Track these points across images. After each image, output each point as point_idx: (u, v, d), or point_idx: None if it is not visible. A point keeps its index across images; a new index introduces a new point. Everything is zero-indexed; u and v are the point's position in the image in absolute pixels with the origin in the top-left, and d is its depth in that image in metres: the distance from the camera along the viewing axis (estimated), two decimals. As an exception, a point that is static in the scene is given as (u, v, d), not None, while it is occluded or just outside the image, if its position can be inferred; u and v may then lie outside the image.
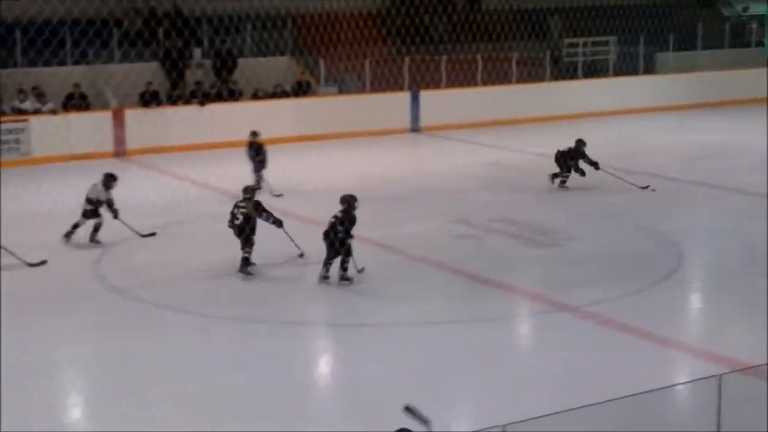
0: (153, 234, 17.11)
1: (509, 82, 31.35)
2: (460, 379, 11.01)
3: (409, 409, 7.15)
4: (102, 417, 10.38)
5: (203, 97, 26.94)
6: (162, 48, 27.92)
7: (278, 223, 15.30)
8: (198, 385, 10.99)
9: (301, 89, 29.03)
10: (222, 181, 20.50)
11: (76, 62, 26.33)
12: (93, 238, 16.66)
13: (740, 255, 16.07)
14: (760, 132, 28.28)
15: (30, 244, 15.76)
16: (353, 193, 14.50)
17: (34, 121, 24.43)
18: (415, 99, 29.44)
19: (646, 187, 20.43)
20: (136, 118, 25.71)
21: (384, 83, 29.45)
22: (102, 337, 12.52)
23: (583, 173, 20.45)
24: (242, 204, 15.08)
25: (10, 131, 24.05)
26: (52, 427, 10.03)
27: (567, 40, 34.21)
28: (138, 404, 10.37)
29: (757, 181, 21.04)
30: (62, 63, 26.14)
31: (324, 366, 12.33)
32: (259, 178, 20.25)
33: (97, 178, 16.90)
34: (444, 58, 30.31)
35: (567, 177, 20.64)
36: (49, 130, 24.06)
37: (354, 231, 14.33)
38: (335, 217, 14.31)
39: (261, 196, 19.35)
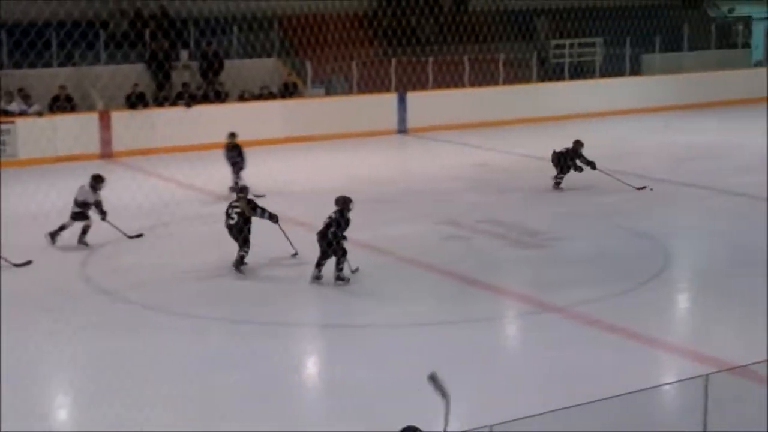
0: (140, 235, 17.09)
1: (496, 83, 31.38)
2: (447, 380, 10.98)
3: (433, 379, 7.25)
4: (91, 418, 10.33)
5: (189, 98, 26.89)
6: (148, 50, 27.87)
7: (274, 219, 15.36)
8: (188, 386, 10.98)
9: (287, 91, 29.00)
10: (208, 183, 20.47)
11: (62, 64, 26.25)
12: (81, 240, 16.62)
13: (727, 255, 16.12)
14: (747, 133, 28.42)
15: (16, 245, 15.70)
16: (347, 195, 14.50)
17: (20, 122, 24.37)
18: (402, 100, 29.44)
19: (643, 187, 20.46)
20: (122, 119, 25.67)
21: (371, 84, 29.44)
22: (90, 338, 12.48)
23: (580, 170, 20.46)
24: (236, 204, 15.15)
25: (-5, 133, 24.00)
26: (41, 429, 10.00)
27: (554, 42, 34.23)
28: (127, 406, 10.34)
29: (744, 182, 21.11)
30: (48, 65, 26.07)
31: (314, 367, 12.33)
32: (238, 180, 20.31)
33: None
34: (431, 59, 30.31)
35: (561, 178, 20.64)
36: (35, 132, 24.01)
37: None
38: (330, 218, 14.32)
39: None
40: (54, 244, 16.58)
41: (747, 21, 40.24)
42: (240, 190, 15.43)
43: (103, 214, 16.62)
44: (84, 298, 14.15)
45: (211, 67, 27.87)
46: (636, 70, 34.51)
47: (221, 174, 20.49)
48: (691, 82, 34.08)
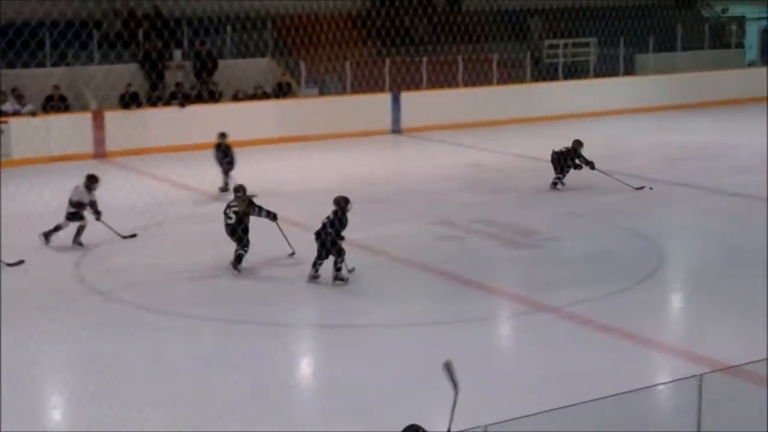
0: (134, 235, 17.07)
1: (490, 83, 31.39)
2: (441, 380, 10.98)
3: (447, 367, 7.33)
4: (86, 419, 10.31)
5: (183, 98, 26.88)
6: (141, 49, 27.85)
7: (272, 217, 15.38)
8: (183, 386, 10.96)
9: (281, 91, 29.00)
10: (202, 183, 20.46)
11: (56, 64, 26.25)
12: (76, 241, 16.61)
13: (721, 255, 16.13)
14: (740, 133, 28.47)
15: (9, 246, 15.67)
16: (345, 196, 14.50)
17: (13, 122, 24.35)
18: (395, 100, 29.45)
19: (642, 187, 20.47)
20: (115, 119, 25.66)
21: (365, 84, 29.45)
22: (85, 338, 12.45)
23: (579, 167, 20.48)
24: (234, 204, 15.19)
25: (-11, 133, 23.97)
26: (36, 430, 9.98)
27: (547, 42, 34.27)
28: (122, 406, 10.31)
29: (738, 182, 21.15)
30: (41, 65, 26.05)
31: (307, 367, 12.31)
32: (227, 180, 20.33)
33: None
34: (425, 59, 30.32)
35: (560, 179, 20.65)
36: (29, 132, 23.96)
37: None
38: (328, 218, 14.33)
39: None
40: (48, 244, 16.55)
41: (740, 21, 40.30)
42: (237, 189, 15.42)
43: (97, 214, 16.61)
44: (78, 298, 14.13)
45: (205, 67, 27.86)
46: (630, 70, 34.55)
47: (215, 174, 20.50)
48: (685, 82, 34.13)
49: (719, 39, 38.30)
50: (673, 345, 12.30)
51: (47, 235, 16.57)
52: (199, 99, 27.31)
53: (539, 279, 14.93)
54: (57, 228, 16.58)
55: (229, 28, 28.98)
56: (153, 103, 26.92)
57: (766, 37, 41.71)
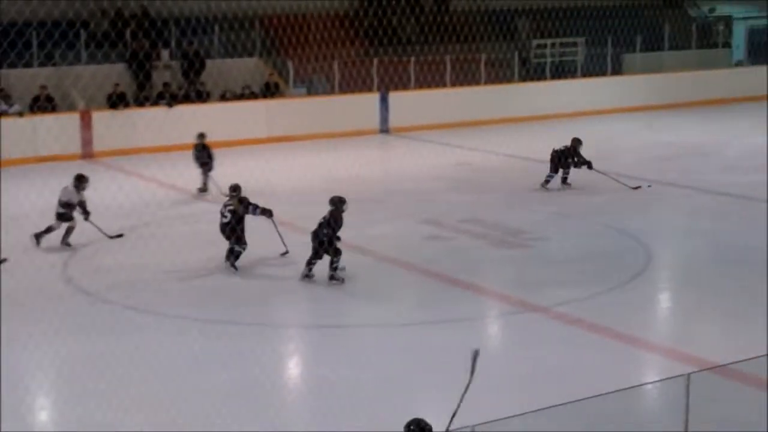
0: (120, 235, 17.04)
1: (478, 83, 31.40)
2: (429, 379, 11.01)
3: (475, 356, 7.52)
4: (73, 420, 10.29)
5: (171, 98, 26.83)
6: (129, 49, 27.79)
7: (268, 213, 15.43)
8: (169, 386, 10.93)
9: (269, 90, 28.97)
10: (189, 183, 20.46)
11: (43, 64, 26.17)
12: (64, 241, 16.57)
13: (709, 255, 16.15)
14: (728, 132, 28.54)
15: (-4, 246, 15.64)
16: (341, 195, 14.51)
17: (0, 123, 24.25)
18: (383, 100, 29.44)
19: (638, 187, 20.49)
20: (103, 119, 25.61)
21: (353, 84, 29.44)
22: (71, 339, 12.41)
23: (579, 166, 20.51)
24: (230, 203, 15.24)
25: (-24, 133, 23.87)
26: (19, 430, 9.94)
27: (535, 42, 34.29)
28: (107, 407, 10.29)
29: (725, 181, 21.20)
30: (28, 65, 25.97)
31: (295, 367, 12.29)
32: (206, 180, 20.31)
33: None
34: (412, 59, 30.32)
35: (552, 177, 20.68)
36: (16, 132, 23.90)
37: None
38: (324, 218, 14.33)
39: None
40: (39, 245, 16.50)
41: (727, 21, 40.39)
42: (234, 189, 15.45)
43: (86, 214, 16.58)
44: (66, 298, 14.09)
45: (192, 67, 27.81)
46: (617, 70, 34.60)
47: (211, 174, 20.47)
48: (672, 81, 34.17)
49: (706, 39, 38.37)
50: (661, 344, 12.31)
51: (38, 237, 16.53)
52: (186, 99, 27.26)
53: (527, 279, 14.94)
54: (49, 229, 16.55)
55: (216, 27, 28.94)
56: (140, 103, 26.88)
57: (753, 37, 41.80)
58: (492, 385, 10.82)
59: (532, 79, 33.25)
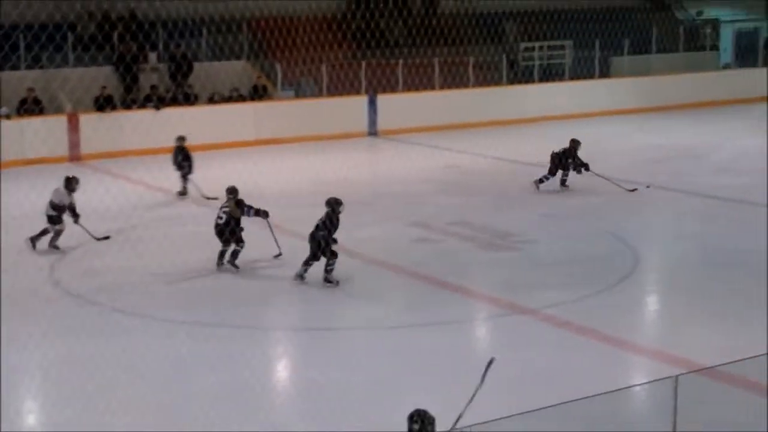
0: (107, 237, 16.99)
1: (466, 85, 31.43)
2: (418, 382, 11.00)
3: (489, 364, 7.65)
4: (58, 423, 10.26)
5: (158, 101, 26.78)
6: (116, 52, 27.73)
7: (263, 214, 15.48)
8: (156, 389, 10.92)
9: (257, 93, 28.95)
10: (176, 186, 20.45)
11: (30, 66, 26.11)
12: (53, 244, 16.51)
13: (697, 257, 16.18)
14: (716, 135, 28.59)
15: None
16: (337, 197, 14.58)
17: (-13, 125, 24.19)
18: (372, 103, 29.43)
19: (634, 189, 20.50)
20: (90, 122, 25.54)
21: (341, 87, 29.40)
22: (58, 341, 12.37)
23: (579, 171, 20.54)
24: (226, 205, 15.33)
25: (-37, 136, 23.80)
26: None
27: (523, 44, 34.31)
28: (95, 409, 10.27)
29: (714, 184, 21.23)
30: (15, 67, 25.90)
31: (284, 370, 12.28)
32: (186, 183, 20.30)
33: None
34: (401, 61, 30.32)
35: (547, 178, 20.70)
36: (3, 135, 23.82)
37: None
38: (321, 220, 14.32)
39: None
40: (34, 249, 16.45)
41: (715, 24, 40.48)
42: (230, 191, 15.50)
43: (76, 216, 16.54)
44: (53, 301, 14.06)
45: (180, 70, 27.75)
46: (605, 73, 34.63)
47: (191, 177, 20.44)
48: (660, 84, 34.23)
49: (694, 42, 38.45)
50: (649, 346, 12.33)
51: (34, 240, 16.49)
52: (174, 102, 27.21)
53: (516, 281, 14.93)
54: (44, 232, 16.51)
55: (204, 30, 28.89)
56: (128, 105, 26.83)
57: (741, 40, 41.90)
58: (481, 387, 10.84)
59: (520, 82, 33.27)
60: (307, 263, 14.45)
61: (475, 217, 18.69)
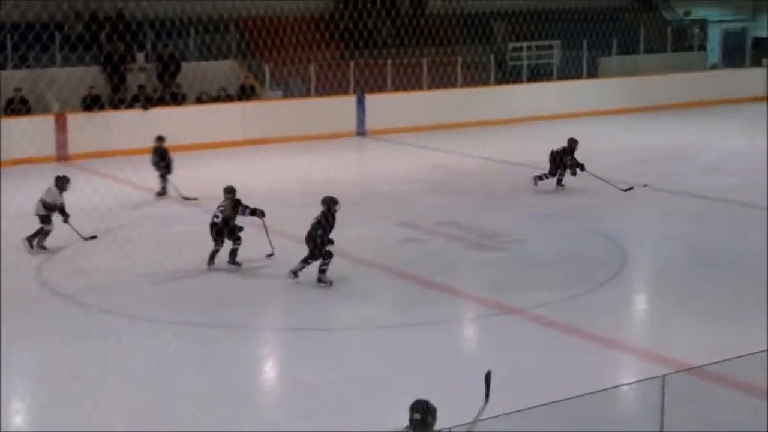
0: (94, 237, 16.94)
1: (454, 85, 31.44)
2: (406, 382, 10.99)
3: (488, 378, 7.55)
4: (45, 423, 10.24)
5: (146, 101, 26.73)
6: (103, 52, 27.67)
7: (260, 213, 15.54)
8: (144, 390, 10.89)
9: (245, 93, 28.92)
10: (176, 185, 20.40)
11: (17, 66, 26.03)
12: (40, 244, 16.47)
13: (685, 257, 16.20)
14: (704, 135, 28.65)
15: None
16: (332, 196, 14.60)
17: (-26, 126, 24.11)
18: (360, 103, 29.42)
19: (630, 188, 20.52)
20: (78, 122, 25.47)
21: (329, 87, 29.38)
22: (46, 342, 12.35)
23: (574, 173, 20.57)
24: (223, 204, 15.34)
25: (-50, 136, 23.71)
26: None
27: (511, 44, 34.33)
28: (82, 410, 10.24)
29: (702, 184, 21.27)
30: (2, 67, 25.81)
31: (271, 370, 12.26)
32: (165, 184, 20.29)
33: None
34: (389, 61, 30.32)
35: (546, 176, 20.75)
36: (-10, 135, 23.77)
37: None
38: (316, 219, 14.34)
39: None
40: (32, 248, 16.41)
41: (702, 24, 40.58)
42: (228, 191, 15.52)
43: (65, 216, 16.50)
44: (40, 301, 14.02)
45: (168, 70, 27.72)
46: (593, 73, 34.67)
47: (178, 176, 20.40)
48: (648, 84, 34.28)
49: (682, 42, 38.53)
50: (637, 346, 12.34)
51: (30, 241, 16.46)
52: (161, 101, 27.16)
53: (504, 281, 14.93)
54: (39, 232, 16.47)
55: (192, 30, 28.85)
56: (115, 105, 26.78)
57: (728, 40, 42.00)
58: (469, 387, 10.82)
59: (508, 82, 33.29)
60: (306, 261, 14.43)
61: (462, 217, 18.69)
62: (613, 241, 16.87)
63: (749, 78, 36.38)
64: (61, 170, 18.45)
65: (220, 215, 15.26)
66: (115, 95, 27.02)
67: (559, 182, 20.91)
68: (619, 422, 9.17)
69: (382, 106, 29.46)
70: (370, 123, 29.32)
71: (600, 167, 20.87)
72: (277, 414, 10.65)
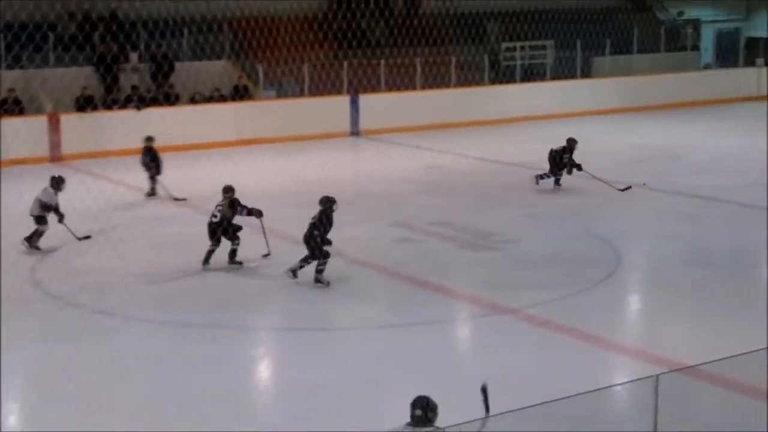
0: (88, 237, 16.92)
1: (448, 85, 31.44)
2: (399, 382, 10.99)
3: (484, 390, 7.49)
4: (39, 424, 10.23)
5: (139, 101, 26.71)
6: (97, 52, 27.63)
7: (256, 213, 15.54)
8: (138, 390, 10.88)
9: (239, 93, 28.90)
10: (158, 186, 20.38)
11: (10, 66, 25.96)
12: (34, 245, 16.45)
13: (679, 257, 16.19)
14: (697, 135, 28.68)
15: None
16: (330, 195, 14.61)
17: (-32, 126, 24.06)
18: (354, 103, 29.42)
19: (628, 188, 20.53)
20: (71, 122, 25.44)
21: (323, 87, 29.38)
22: (39, 343, 12.35)
23: (570, 172, 20.61)
24: (221, 203, 15.37)
25: (-57, 137, 23.67)
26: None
27: (504, 44, 34.35)
28: (76, 410, 10.24)
29: (696, 184, 21.28)
30: (-5, 67, 25.82)
31: (265, 370, 12.24)
32: (154, 184, 20.27)
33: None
34: (382, 61, 30.32)
35: (548, 175, 20.77)
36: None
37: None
38: (313, 218, 14.34)
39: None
40: (31, 248, 16.39)
41: (696, 24, 40.64)
42: (227, 190, 15.53)
43: (60, 216, 16.49)
44: (34, 302, 14.00)
45: (161, 70, 27.68)
46: (587, 73, 34.69)
47: (170, 177, 20.39)
48: (641, 84, 34.32)
49: (675, 42, 38.57)
50: (630, 346, 12.35)
51: (29, 240, 16.43)
52: (155, 102, 27.13)
53: (497, 281, 14.93)
54: (36, 232, 16.45)
55: (185, 30, 28.82)
56: (108, 106, 26.74)
57: (721, 40, 42.05)
58: (461, 387, 10.82)
59: (501, 82, 33.31)
60: (305, 261, 14.43)
61: (456, 217, 18.69)
62: (606, 241, 16.87)
63: (742, 78, 36.44)
64: (55, 171, 18.44)
65: (218, 215, 15.26)
66: (108, 95, 26.99)
67: (556, 182, 20.93)
68: (612, 422, 9.16)
69: (376, 106, 29.46)
70: (364, 123, 29.32)
71: (593, 167, 20.87)
72: (269, 414, 10.64)
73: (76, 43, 27.11)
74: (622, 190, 20.41)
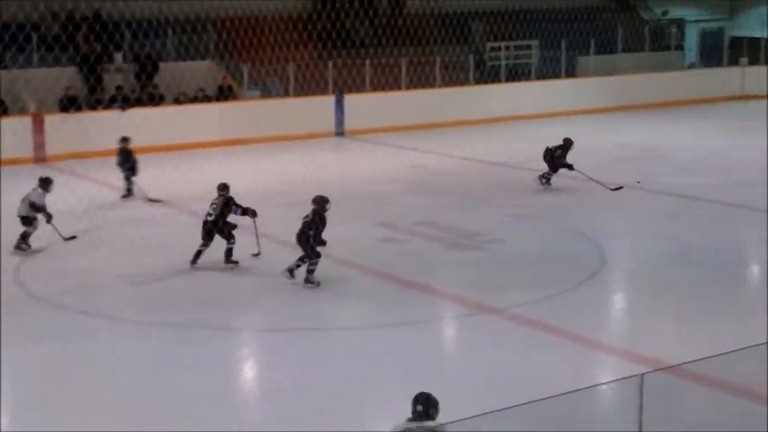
0: (74, 237, 16.87)
1: (433, 85, 31.44)
2: (384, 382, 10.98)
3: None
4: (23, 426, 10.18)
5: (123, 101, 26.64)
6: (80, 52, 27.55)
7: (252, 213, 15.54)
8: (123, 391, 10.85)
9: (223, 94, 28.85)
10: (142, 187, 20.31)
11: (-7, 67, 25.92)
12: (19, 246, 16.38)
13: (663, 256, 16.21)
14: (681, 134, 28.74)
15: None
16: (324, 195, 14.52)
17: (-50, 126, 23.96)
18: (339, 103, 29.39)
19: (619, 188, 20.56)
20: (55, 123, 25.36)
21: (307, 87, 29.36)
22: (23, 344, 12.28)
23: (571, 167, 20.59)
24: (215, 202, 15.37)
25: (-74, 138, 23.58)
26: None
27: (489, 44, 34.39)
28: (61, 412, 10.20)
29: (680, 183, 21.32)
30: (-22, 68, 25.71)
31: (250, 371, 12.21)
32: (130, 185, 20.23)
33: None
34: (367, 61, 30.30)
35: (551, 175, 20.80)
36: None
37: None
38: (306, 217, 14.32)
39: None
40: (28, 250, 16.33)
41: (680, 23, 40.75)
42: (221, 188, 15.52)
43: (48, 216, 16.44)
44: (18, 303, 13.93)
45: (145, 70, 27.62)
46: (571, 73, 34.74)
47: (154, 178, 20.35)
48: (626, 84, 34.40)
49: (659, 41, 38.67)
50: (615, 345, 12.35)
51: (20, 243, 16.38)
52: (139, 102, 27.06)
53: (483, 281, 14.93)
54: (25, 234, 16.42)
55: (170, 30, 28.78)
56: (92, 106, 26.66)
57: (705, 40, 42.20)
58: (448, 386, 10.81)
59: (486, 82, 33.34)
60: (302, 260, 14.41)
61: (441, 217, 18.68)
62: (592, 240, 16.89)
63: (726, 77, 36.54)
64: (39, 172, 18.39)
65: (213, 213, 15.23)
66: (92, 96, 26.91)
67: (547, 180, 20.95)
68: (597, 421, 9.17)
69: (361, 106, 29.44)
70: (349, 123, 29.30)
71: (578, 166, 20.89)
72: (253, 415, 10.62)
73: (59, 44, 27.05)
74: (614, 190, 20.43)
